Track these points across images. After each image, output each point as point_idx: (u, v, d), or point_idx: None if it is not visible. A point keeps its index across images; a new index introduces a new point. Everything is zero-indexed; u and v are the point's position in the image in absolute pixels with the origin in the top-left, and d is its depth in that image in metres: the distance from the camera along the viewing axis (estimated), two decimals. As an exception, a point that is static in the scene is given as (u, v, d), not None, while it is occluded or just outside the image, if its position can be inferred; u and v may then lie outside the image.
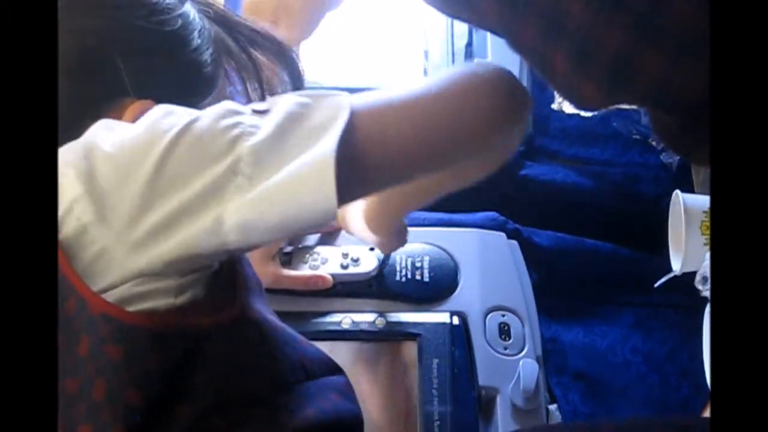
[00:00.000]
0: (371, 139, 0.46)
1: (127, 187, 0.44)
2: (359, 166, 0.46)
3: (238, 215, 0.44)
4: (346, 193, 0.44)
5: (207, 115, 0.46)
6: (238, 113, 0.46)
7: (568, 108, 1.07)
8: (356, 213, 0.73)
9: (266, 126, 0.45)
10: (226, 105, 0.47)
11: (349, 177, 0.44)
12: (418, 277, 0.87)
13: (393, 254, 0.88)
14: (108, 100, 0.55)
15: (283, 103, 0.47)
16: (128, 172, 0.44)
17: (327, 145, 0.44)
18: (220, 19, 0.64)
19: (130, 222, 0.44)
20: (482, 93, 0.49)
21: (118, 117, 0.52)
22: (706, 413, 0.85)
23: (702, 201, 0.91)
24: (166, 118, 0.46)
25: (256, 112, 0.47)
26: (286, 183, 0.44)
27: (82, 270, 0.45)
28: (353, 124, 0.45)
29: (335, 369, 0.59)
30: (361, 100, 0.47)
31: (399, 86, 0.49)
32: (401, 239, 0.79)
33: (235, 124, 0.45)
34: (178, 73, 0.58)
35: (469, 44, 1.10)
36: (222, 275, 0.52)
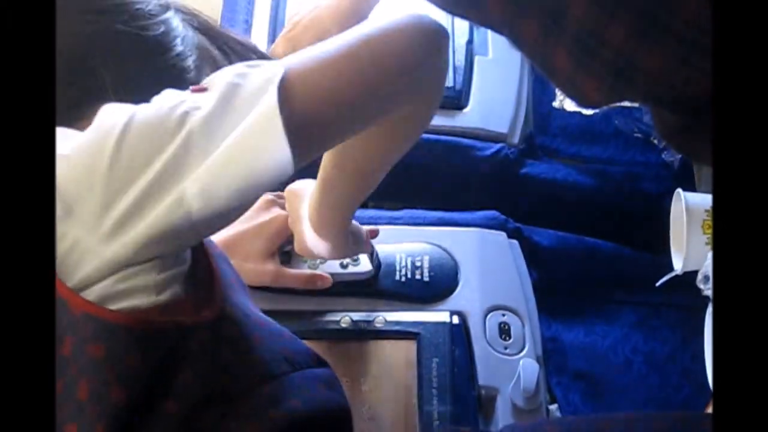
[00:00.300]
0: (309, 95, 0.48)
1: (88, 186, 0.45)
2: (303, 120, 0.47)
3: (198, 183, 0.45)
4: (298, 149, 0.45)
5: (150, 103, 0.47)
6: (178, 95, 0.48)
7: (570, 106, 1.06)
8: (307, 230, 0.74)
9: (209, 99, 0.46)
10: (166, 91, 0.49)
11: (297, 133, 0.46)
12: (417, 277, 0.87)
13: (393, 254, 0.88)
14: (89, 104, 0.55)
15: (221, 77, 0.48)
16: (86, 172, 0.45)
17: (268, 99, 0.45)
18: (204, 29, 0.65)
19: (98, 214, 0.45)
20: (400, 34, 0.52)
21: None
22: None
23: (704, 200, 0.91)
24: (112, 114, 0.47)
25: (195, 90, 0.48)
26: (238, 143, 0.45)
27: (57, 266, 0.45)
28: (290, 81, 0.47)
29: (320, 361, 0.59)
30: (294, 59, 0.49)
31: (329, 42, 0.51)
32: (358, 241, 0.78)
33: (179, 104, 0.46)
34: (161, 78, 0.59)
35: (470, 41, 1.09)
36: (200, 275, 0.52)
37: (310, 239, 0.74)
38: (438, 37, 0.54)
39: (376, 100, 0.52)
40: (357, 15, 0.83)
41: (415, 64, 0.53)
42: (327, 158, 0.64)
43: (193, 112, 0.46)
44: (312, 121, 0.48)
